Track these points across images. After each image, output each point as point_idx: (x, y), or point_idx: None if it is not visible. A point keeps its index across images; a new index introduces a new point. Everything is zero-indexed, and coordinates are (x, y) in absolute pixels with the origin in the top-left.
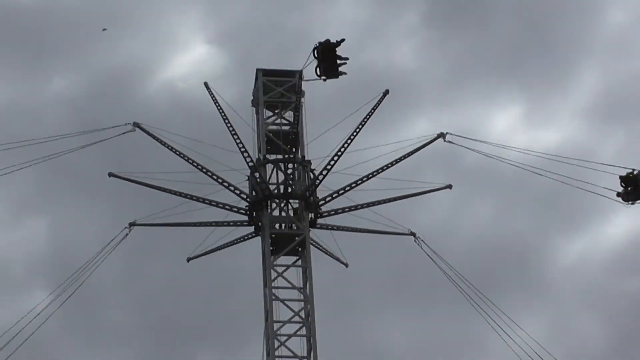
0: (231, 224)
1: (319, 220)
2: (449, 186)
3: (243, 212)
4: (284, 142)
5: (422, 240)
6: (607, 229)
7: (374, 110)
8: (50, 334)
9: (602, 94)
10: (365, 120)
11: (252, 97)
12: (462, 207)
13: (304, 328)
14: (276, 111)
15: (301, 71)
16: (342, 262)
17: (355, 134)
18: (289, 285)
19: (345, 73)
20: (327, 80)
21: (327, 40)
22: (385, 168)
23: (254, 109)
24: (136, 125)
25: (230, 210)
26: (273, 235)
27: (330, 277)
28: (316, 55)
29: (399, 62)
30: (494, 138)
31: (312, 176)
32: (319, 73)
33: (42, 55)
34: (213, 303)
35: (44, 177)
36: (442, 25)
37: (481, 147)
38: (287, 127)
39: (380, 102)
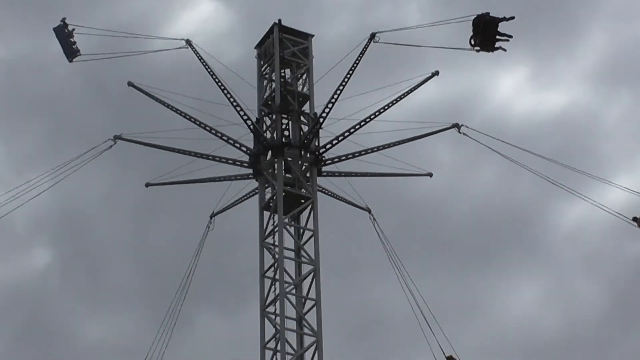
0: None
1: (325, 168)
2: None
3: (246, 165)
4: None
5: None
6: (607, 193)
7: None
8: (52, 292)
9: (608, 57)
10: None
11: (257, 50)
12: (466, 168)
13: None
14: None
15: (312, 35)
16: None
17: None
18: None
19: (504, 50)
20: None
21: (491, 16)
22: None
23: (256, 61)
24: (188, 43)
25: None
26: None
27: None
28: (476, 25)
29: (405, 21)
30: (500, 99)
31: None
32: (473, 43)
33: (48, 11)
34: (216, 262)
35: (48, 135)
36: None
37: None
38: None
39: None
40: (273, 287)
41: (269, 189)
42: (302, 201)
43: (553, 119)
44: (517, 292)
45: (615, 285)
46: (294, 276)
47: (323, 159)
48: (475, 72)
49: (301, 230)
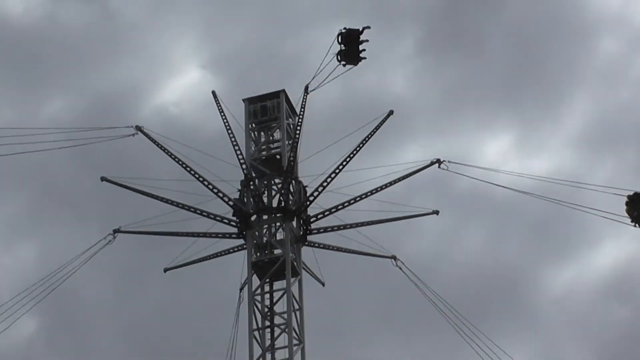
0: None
1: (309, 237)
2: (436, 212)
3: (233, 223)
4: (274, 164)
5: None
6: (595, 258)
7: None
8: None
9: (592, 123)
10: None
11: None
12: (453, 233)
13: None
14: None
15: (284, 90)
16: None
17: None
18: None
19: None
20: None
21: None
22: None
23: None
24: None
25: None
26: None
27: (319, 300)
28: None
29: (393, 89)
30: (486, 165)
31: (304, 193)
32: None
33: (37, 78)
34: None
35: (34, 199)
36: (437, 52)
37: (475, 174)
38: (276, 150)
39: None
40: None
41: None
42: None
43: (538, 185)
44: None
45: (603, 349)
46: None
47: (309, 228)
48: (461, 137)
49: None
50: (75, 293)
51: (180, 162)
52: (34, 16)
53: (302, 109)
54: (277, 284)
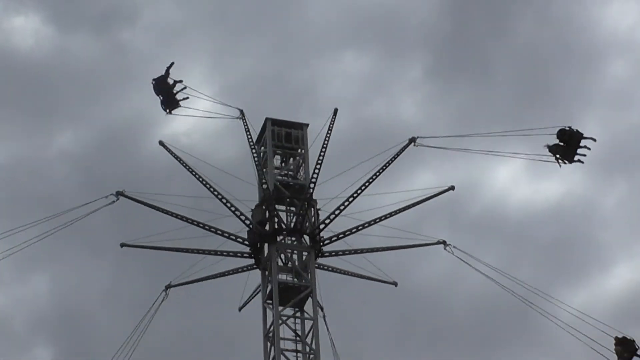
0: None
1: (318, 260)
2: (443, 242)
3: (247, 255)
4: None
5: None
6: (608, 281)
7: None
8: None
9: (602, 146)
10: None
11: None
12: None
13: None
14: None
15: (307, 124)
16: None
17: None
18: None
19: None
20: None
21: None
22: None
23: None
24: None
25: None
26: (281, 285)
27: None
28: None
29: (402, 116)
30: (497, 189)
31: (317, 215)
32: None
33: (46, 112)
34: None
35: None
36: (445, 78)
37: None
38: (293, 179)
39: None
40: None
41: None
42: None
43: (550, 208)
44: None
45: None
46: None
47: (321, 239)
48: (471, 163)
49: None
50: (90, 323)
51: (197, 176)
52: (43, 49)
53: (329, 131)
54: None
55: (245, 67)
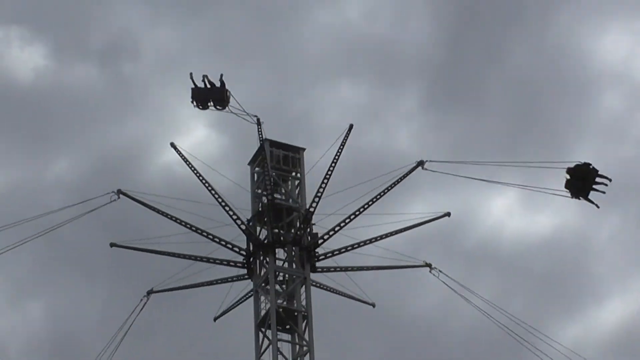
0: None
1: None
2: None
3: (240, 265)
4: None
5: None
6: (602, 313)
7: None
8: None
9: None
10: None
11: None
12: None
13: None
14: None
15: (305, 149)
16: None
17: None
18: None
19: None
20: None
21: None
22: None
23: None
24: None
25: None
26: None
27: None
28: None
29: (397, 146)
30: (492, 220)
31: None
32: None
33: (43, 138)
34: None
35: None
36: (440, 108)
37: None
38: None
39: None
40: None
41: (262, 302)
42: (295, 314)
43: (544, 240)
44: None
45: None
46: None
47: (316, 254)
48: (468, 194)
49: (297, 346)
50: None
51: (202, 179)
52: (42, 78)
53: (342, 146)
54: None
55: (241, 95)
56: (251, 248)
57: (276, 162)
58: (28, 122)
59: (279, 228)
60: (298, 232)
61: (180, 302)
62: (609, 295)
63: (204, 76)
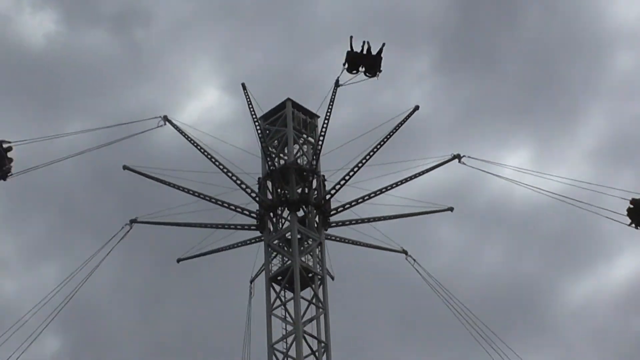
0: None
1: (333, 219)
2: (451, 209)
3: (254, 227)
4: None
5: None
6: (614, 270)
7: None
8: None
9: (609, 136)
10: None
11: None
12: (472, 247)
13: None
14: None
15: (289, 99)
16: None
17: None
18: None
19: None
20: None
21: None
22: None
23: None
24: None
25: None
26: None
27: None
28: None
29: (410, 106)
30: (503, 180)
31: (324, 186)
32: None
33: (55, 102)
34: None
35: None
36: (453, 70)
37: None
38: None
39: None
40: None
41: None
42: (310, 275)
43: (556, 199)
44: None
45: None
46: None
47: (329, 209)
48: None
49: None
50: (99, 311)
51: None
52: (53, 43)
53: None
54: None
55: (254, 59)
56: (262, 211)
57: (297, 124)
58: (39, 88)
59: (287, 189)
60: (306, 191)
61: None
62: (621, 252)
63: (364, 42)
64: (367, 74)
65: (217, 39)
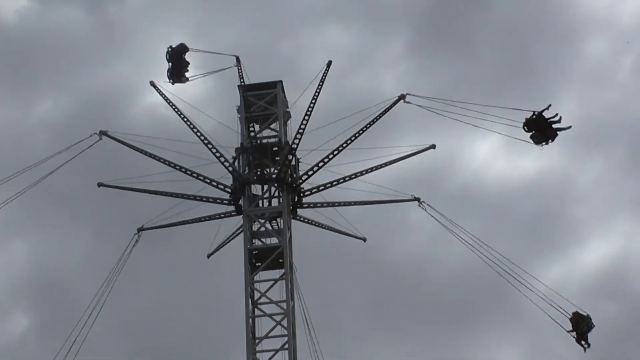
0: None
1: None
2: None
3: (227, 202)
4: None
5: (427, 204)
6: (583, 255)
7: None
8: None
9: (580, 123)
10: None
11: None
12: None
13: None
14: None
15: (281, 81)
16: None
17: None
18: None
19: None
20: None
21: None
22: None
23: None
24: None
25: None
26: (255, 252)
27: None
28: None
29: (383, 90)
30: (476, 164)
31: (297, 166)
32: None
33: (27, 79)
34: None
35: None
36: (426, 53)
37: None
38: (273, 139)
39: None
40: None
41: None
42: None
43: (527, 184)
44: (496, 352)
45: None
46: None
47: (302, 190)
48: (451, 138)
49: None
50: (68, 289)
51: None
52: (26, 20)
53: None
54: (268, 274)
55: (229, 39)
56: (236, 185)
57: (256, 108)
58: (12, 63)
59: (263, 166)
60: (281, 169)
61: (170, 240)
62: (590, 237)
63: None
64: (535, 138)
65: (191, 16)
